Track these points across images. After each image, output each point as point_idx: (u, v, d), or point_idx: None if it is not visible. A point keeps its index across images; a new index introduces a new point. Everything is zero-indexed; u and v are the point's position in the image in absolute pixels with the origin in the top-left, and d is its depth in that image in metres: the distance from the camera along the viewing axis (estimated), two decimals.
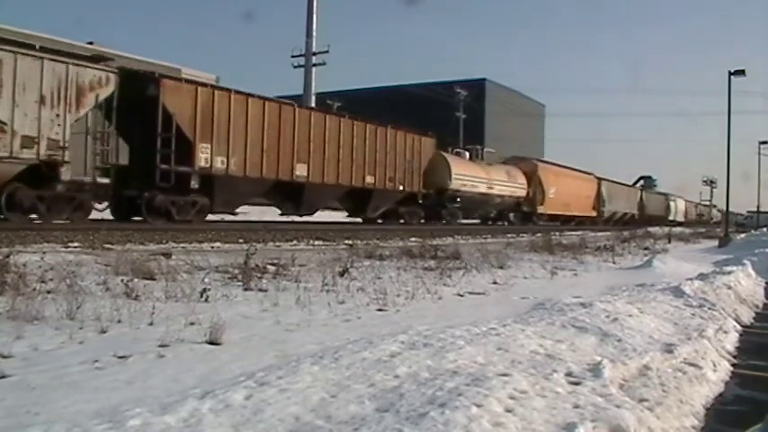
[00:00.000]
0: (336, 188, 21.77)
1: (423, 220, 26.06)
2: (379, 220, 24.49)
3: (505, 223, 32.85)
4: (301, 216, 21.07)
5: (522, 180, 33.71)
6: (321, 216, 23.73)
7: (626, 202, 50.61)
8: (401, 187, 24.57)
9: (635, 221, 50.15)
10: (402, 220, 24.96)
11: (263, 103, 18.78)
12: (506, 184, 32.18)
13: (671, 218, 61.55)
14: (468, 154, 30.99)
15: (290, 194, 20.31)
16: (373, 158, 23.04)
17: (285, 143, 19.28)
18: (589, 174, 44.67)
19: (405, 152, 24.77)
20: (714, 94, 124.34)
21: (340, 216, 26.49)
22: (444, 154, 28.06)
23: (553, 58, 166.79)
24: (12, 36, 15.61)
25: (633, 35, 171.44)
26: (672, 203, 65.08)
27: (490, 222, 33.14)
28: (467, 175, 28.57)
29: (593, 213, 43.53)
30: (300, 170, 19.92)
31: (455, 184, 27.56)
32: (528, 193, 34.16)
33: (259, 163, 18.44)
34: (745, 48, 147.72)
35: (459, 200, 28.07)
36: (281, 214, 21.34)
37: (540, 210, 35.38)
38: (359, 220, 25.98)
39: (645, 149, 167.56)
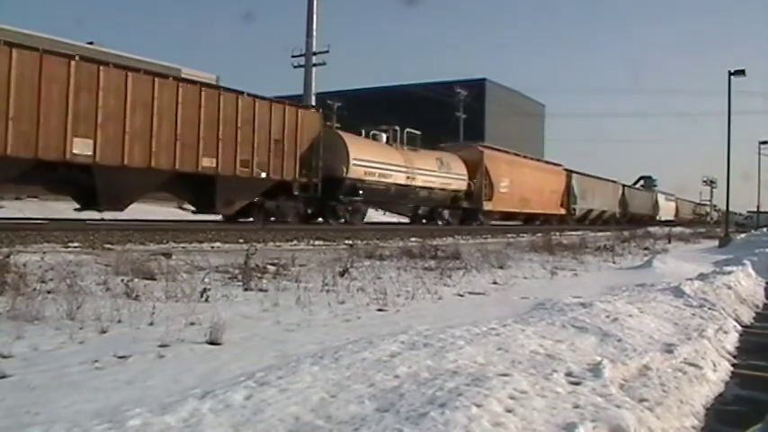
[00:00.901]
0: (150, 174, 15.66)
1: (321, 219, 21.44)
2: (251, 218, 19.07)
3: (439, 222, 26.86)
4: (101, 212, 15.55)
5: (461, 170, 27.64)
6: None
7: (603, 199, 44.85)
8: (263, 174, 18.44)
9: (616, 221, 45.45)
10: (273, 218, 19.24)
11: (10, 53, 13.10)
12: (437, 174, 26.06)
13: (660, 217, 56.76)
14: (385, 136, 24.70)
15: (72, 181, 14.81)
16: (214, 135, 16.92)
17: (52, 109, 13.64)
18: (557, 165, 39.08)
19: (269, 128, 18.60)
20: (714, 94, 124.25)
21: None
22: (341, 133, 22.07)
23: (553, 58, 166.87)
24: (12, 36, 15.37)
25: (633, 35, 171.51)
26: (660, 201, 60.30)
27: (424, 221, 27.07)
28: (374, 162, 22.47)
29: (562, 211, 37.73)
30: (81, 147, 14.15)
31: (356, 171, 21.58)
32: (469, 185, 28.00)
33: (2, 136, 12.93)
34: (745, 48, 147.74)
35: (361, 192, 21.94)
36: (77, 209, 15.70)
37: (488, 206, 29.28)
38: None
39: (645, 149, 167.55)
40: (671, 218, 61.27)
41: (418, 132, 27.01)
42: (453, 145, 30.49)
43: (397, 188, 24.00)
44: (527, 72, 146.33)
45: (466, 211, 28.56)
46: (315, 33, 36.14)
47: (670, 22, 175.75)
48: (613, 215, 46.84)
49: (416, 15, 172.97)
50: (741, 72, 27.26)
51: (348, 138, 22.18)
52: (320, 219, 21.45)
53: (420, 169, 25.15)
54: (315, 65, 36.48)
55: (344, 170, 21.28)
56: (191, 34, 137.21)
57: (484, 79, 65.12)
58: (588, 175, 42.84)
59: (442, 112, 48.36)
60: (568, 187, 38.80)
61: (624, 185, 51.07)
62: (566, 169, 39.33)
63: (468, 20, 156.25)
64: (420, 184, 25.15)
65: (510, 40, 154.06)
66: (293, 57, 37.50)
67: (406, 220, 28.14)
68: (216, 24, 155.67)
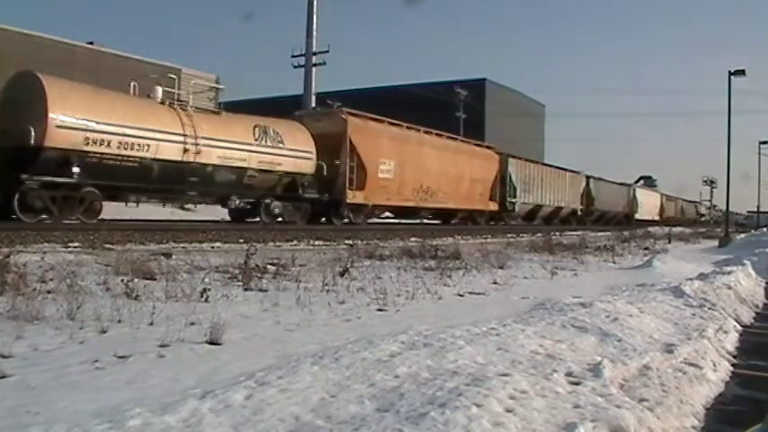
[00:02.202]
0: None
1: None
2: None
3: (267, 220, 18.20)
4: None
5: (304, 144, 19.28)
6: None
7: (558, 192, 36.58)
8: None
9: (577, 219, 38.76)
10: None
11: None
12: (253, 148, 17.78)
13: (639, 216, 49.51)
14: (160, 91, 16.61)
15: None
16: None
17: None
18: (485, 146, 30.64)
19: None
20: (714, 94, 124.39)
21: None
22: (40, 76, 14.00)
23: (553, 58, 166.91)
24: (12, 36, 15.22)
25: (633, 35, 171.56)
26: (640, 197, 51.82)
27: (258, 219, 18.23)
28: (107, 124, 14.43)
29: (492, 207, 29.35)
30: None
31: (65, 138, 13.75)
32: (320, 167, 19.55)
33: None
34: (745, 48, 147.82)
35: (77, 171, 14.00)
36: None
37: (356, 198, 20.63)
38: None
39: (645, 149, 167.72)
40: (654, 217, 53.93)
41: (222, 87, 18.77)
42: (306, 113, 21.91)
43: (166, 166, 15.61)
44: (527, 72, 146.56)
45: (316, 203, 19.89)
46: (315, 33, 36.14)
47: (670, 22, 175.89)
48: (573, 212, 39.02)
49: (416, 15, 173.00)
50: (741, 72, 27.30)
51: (51, 84, 14.03)
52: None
53: (215, 140, 16.76)
54: (315, 65, 36.49)
55: (37, 135, 13.44)
56: (191, 34, 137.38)
57: (484, 79, 65.13)
58: (533, 162, 35.01)
59: (442, 112, 48.33)
60: (503, 176, 30.43)
61: (589, 176, 42.33)
62: (498, 152, 30.95)
63: (469, 20, 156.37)
64: (215, 161, 16.78)
65: (510, 40, 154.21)
66: (293, 57, 37.52)
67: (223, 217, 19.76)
68: (216, 24, 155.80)
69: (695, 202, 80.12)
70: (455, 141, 28.22)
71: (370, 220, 22.45)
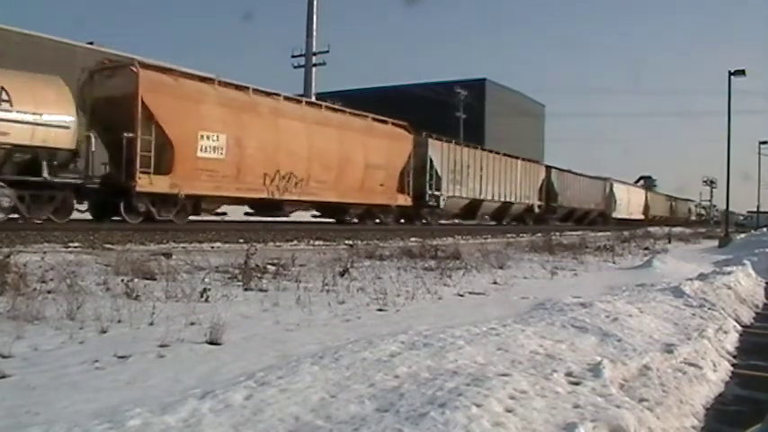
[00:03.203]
0: None
1: None
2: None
3: None
4: None
5: (56, 107, 13.34)
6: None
7: (507, 185, 30.33)
8: None
9: (536, 218, 33.47)
10: None
11: None
12: None
13: (617, 214, 44.32)
14: None
15: None
16: None
17: None
18: (395, 125, 22.98)
19: None
20: (714, 94, 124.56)
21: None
22: None
23: (553, 58, 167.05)
24: (12, 36, 15.14)
25: (633, 35, 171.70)
26: (618, 193, 45.77)
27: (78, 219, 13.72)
28: None
29: (401, 201, 23.04)
30: None
31: None
32: (89, 141, 13.91)
33: None
34: (745, 48, 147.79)
35: None
36: None
37: (154, 185, 14.77)
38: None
39: (645, 149, 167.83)
40: (636, 216, 48.72)
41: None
42: (95, 68, 16.08)
43: None
44: (527, 72, 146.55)
45: (84, 192, 14.18)
46: (315, 33, 36.22)
47: (670, 22, 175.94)
48: (529, 209, 32.99)
49: (416, 15, 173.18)
50: (741, 72, 27.29)
51: None
52: None
53: None
54: (315, 65, 36.57)
55: None
56: (191, 34, 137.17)
57: (484, 79, 65.16)
58: (468, 146, 28.24)
59: (442, 112, 48.35)
60: (421, 162, 24.07)
61: (551, 167, 35.92)
62: (410, 130, 23.67)
63: (468, 20, 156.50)
64: None
65: (510, 40, 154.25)
66: (293, 57, 37.65)
67: None
68: (215, 24, 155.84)
69: (689, 200, 78.12)
70: (342, 114, 20.89)
71: (197, 217, 16.64)
